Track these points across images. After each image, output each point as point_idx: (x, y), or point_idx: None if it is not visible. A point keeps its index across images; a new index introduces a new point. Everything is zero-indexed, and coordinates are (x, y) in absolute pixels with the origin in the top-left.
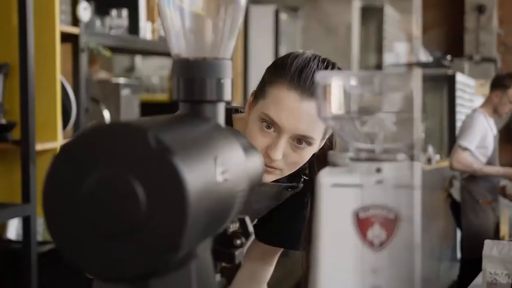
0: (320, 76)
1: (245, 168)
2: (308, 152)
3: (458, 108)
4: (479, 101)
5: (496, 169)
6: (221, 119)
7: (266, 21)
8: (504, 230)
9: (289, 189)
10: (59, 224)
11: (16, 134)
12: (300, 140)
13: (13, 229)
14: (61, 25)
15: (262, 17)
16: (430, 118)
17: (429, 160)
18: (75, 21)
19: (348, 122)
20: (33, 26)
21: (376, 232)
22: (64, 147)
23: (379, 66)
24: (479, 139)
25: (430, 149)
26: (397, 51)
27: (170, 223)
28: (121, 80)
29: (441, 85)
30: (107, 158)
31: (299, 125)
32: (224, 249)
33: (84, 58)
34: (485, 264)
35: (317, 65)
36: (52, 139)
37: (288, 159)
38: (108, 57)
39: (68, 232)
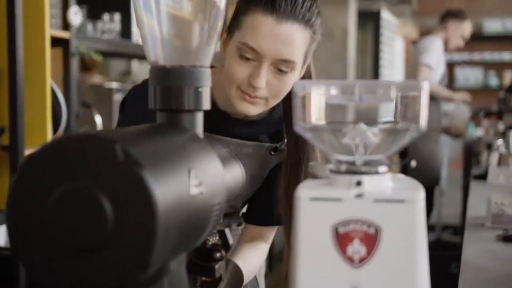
0: (298, 86)
1: (223, 180)
2: (290, 79)
3: (380, 46)
4: (399, 40)
5: (454, 94)
6: (199, 128)
7: None
8: None
9: (273, 152)
10: (24, 237)
11: (4, 139)
12: (282, 68)
13: (2, 236)
14: (51, 29)
15: None
16: (356, 55)
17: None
18: (66, 26)
19: (327, 133)
20: (23, 30)
21: (356, 247)
22: (30, 158)
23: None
24: (437, 58)
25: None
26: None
27: (138, 239)
28: (114, 85)
29: (366, 21)
30: (74, 171)
31: (279, 49)
32: (203, 262)
33: (75, 63)
34: (491, 193)
35: None
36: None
37: (271, 88)
38: (104, 62)
39: (33, 246)
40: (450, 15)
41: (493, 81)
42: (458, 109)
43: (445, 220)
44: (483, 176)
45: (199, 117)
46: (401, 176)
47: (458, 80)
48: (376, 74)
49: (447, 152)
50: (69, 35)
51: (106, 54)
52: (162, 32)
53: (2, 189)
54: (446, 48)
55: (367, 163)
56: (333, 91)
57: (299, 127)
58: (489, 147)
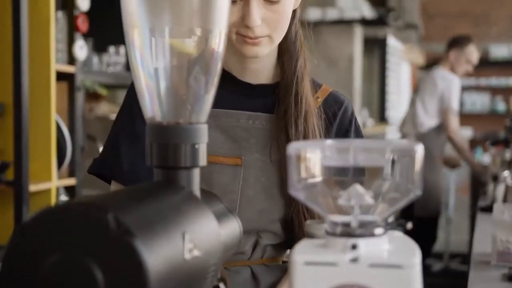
0: (292, 148)
1: (218, 239)
2: (286, 6)
3: (387, 72)
4: (405, 66)
5: (475, 162)
6: (195, 185)
7: None
8: None
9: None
10: None
11: (9, 174)
12: None
13: None
14: (57, 64)
15: None
16: (362, 81)
17: (364, 125)
18: (72, 60)
19: (322, 194)
20: (28, 65)
21: None
22: (22, 226)
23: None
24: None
25: (365, 113)
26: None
27: None
28: None
29: (372, 48)
30: (65, 241)
31: None
32: None
33: (80, 97)
34: (495, 230)
35: None
36: (47, 180)
37: (269, 22)
38: (111, 90)
39: None
40: (452, 43)
41: (500, 106)
42: None
43: (453, 249)
44: (489, 209)
45: (196, 174)
46: (398, 234)
47: (465, 105)
48: (382, 101)
49: (454, 179)
50: (74, 70)
51: (111, 87)
52: (159, 88)
53: (7, 224)
54: (454, 74)
55: (362, 225)
56: (328, 153)
57: (293, 189)
58: (495, 178)
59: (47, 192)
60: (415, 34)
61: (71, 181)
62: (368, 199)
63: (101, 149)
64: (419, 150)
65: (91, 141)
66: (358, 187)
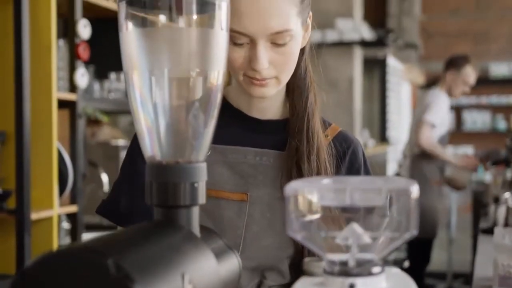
0: (290, 187)
1: (218, 277)
2: (293, 47)
3: (387, 92)
4: (405, 85)
5: (453, 159)
6: (195, 223)
7: None
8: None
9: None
10: None
11: (11, 203)
12: (278, 41)
13: None
14: (58, 92)
15: None
16: (363, 101)
17: (365, 145)
18: (73, 87)
19: (319, 233)
20: (30, 93)
21: None
22: (23, 272)
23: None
24: (441, 117)
25: (366, 134)
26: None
27: None
28: (121, 142)
29: (372, 68)
30: (66, 285)
31: (266, 24)
32: None
33: (81, 124)
34: (497, 254)
35: None
36: (48, 207)
37: (276, 64)
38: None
39: None
40: (448, 64)
41: (501, 124)
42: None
43: (456, 268)
44: (490, 230)
45: (195, 212)
46: (396, 271)
47: (466, 123)
48: (383, 121)
49: (456, 199)
50: (75, 97)
51: (113, 113)
52: (158, 128)
53: (9, 253)
54: (451, 95)
55: (360, 264)
56: (325, 193)
57: (290, 229)
58: (496, 200)
59: (48, 220)
60: (415, 54)
61: (73, 208)
62: (366, 238)
63: (102, 175)
64: (414, 190)
65: (93, 167)
66: (355, 226)
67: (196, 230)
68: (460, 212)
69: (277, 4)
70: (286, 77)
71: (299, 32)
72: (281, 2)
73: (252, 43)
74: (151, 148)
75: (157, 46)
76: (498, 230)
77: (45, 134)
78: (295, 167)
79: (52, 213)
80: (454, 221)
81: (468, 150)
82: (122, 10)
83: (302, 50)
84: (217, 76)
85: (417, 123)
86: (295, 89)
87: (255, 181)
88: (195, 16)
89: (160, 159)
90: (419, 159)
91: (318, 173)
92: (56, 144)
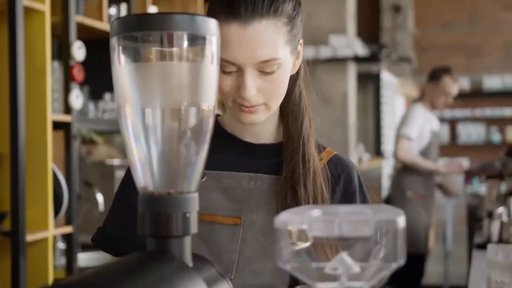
0: (279, 219)
1: None
2: (281, 75)
3: (381, 107)
4: (400, 99)
5: (436, 166)
6: (187, 252)
7: None
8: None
9: None
10: None
11: (6, 225)
12: (266, 70)
13: None
14: (53, 114)
15: None
16: (357, 116)
17: (360, 160)
18: (68, 109)
19: (309, 263)
20: (25, 115)
21: None
22: None
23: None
24: (418, 129)
25: (361, 148)
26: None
27: None
28: (116, 162)
29: (366, 83)
30: None
31: (254, 53)
32: None
33: (76, 145)
34: (490, 271)
35: None
36: (44, 229)
37: (265, 92)
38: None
39: None
40: (429, 76)
41: (496, 136)
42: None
43: (453, 281)
44: (484, 246)
45: (187, 241)
46: None
47: (460, 136)
48: (378, 135)
49: (451, 211)
50: (70, 119)
51: (107, 133)
52: (151, 160)
53: (4, 274)
54: (434, 107)
55: None
56: (314, 224)
57: (280, 261)
58: (490, 215)
59: (44, 241)
60: (409, 67)
61: (68, 229)
62: (355, 267)
63: (98, 195)
64: (401, 220)
65: (88, 187)
66: (344, 256)
67: (188, 259)
68: (455, 224)
69: (265, 34)
70: (275, 103)
71: (287, 60)
72: (269, 32)
73: (240, 71)
74: (143, 179)
75: (149, 80)
76: (491, 246)
77: (40, 155)
78: (290, 191)
79: (47, 234)
80: (450, 234)
81: (463, 162)
82: (115, 45)
83: (296, 75)
84: (209, 107)
85: (395, 137)
86: (290, 114)
87: (249, 205)
88: (185, 52)
89: (153, 190)
90: (400, 173)
91: (315, 197)
92: (51, 165)
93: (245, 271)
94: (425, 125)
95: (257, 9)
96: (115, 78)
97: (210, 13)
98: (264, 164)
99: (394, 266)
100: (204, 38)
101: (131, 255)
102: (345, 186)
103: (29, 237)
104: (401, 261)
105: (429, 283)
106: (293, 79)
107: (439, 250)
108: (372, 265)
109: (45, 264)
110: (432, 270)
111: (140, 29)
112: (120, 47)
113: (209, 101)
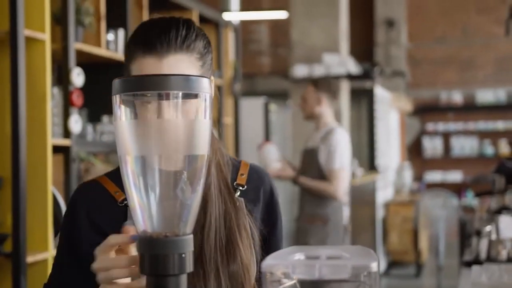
0: (265, 263)
1: None
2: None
3: (375, 121)
4: (394, 113)
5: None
6: None
7: (257, 112)
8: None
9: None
10: None
11: (7, 246)
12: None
13: None
14: (53, 138)
15: (253, 109)
16: (351, 132)
17: (354, 175)
18: (67, 133)
19: None
20: (26, 139)
21: None
22: None
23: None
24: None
25: (355, 163)
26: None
27: None
28: None
29: (360, 99)
30: None
31: None
32: None
33: (75, 168)
34: None
35: (161, 19)
36: (44, 250)
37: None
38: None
39: None
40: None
41: (489, 149)
42: (266, 150)
43: None
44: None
45: (183, 280)
46: None
47: (454, 149)
48: (371, 150)
49: (443, 225)
50: (70, 143)
51: (105, 154)
52: (149, 206)
53: None
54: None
55: None
56: (297, 268)
57: None
58: (479, 233)
59: (44, 262)
60: (403, 81)
61: None
62: None
63: None
64: (374, 265)
65: None
66: None
67: None
68: (448, 237)
69: (179, 66)
70: None
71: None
72: (183, 64)
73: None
74: (142, 223)
75: (148, 134)
76: (475, 268)
77: (41, 179)
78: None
79: (47, 255)
80: (442, 248)
81: (457, 175)
82: (117, 103)
83: None
84: (203, 155)
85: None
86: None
87: None
88: (180, 108)
89: (151, 233)
90: None
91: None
92: (51, 188)
93: None
94: None
95: (171, 45)
96: (117, 132)
97: (129, 49)
98: None
99: None
100: (196, 96)
101: None
102: (265, 197)
103: (30, 258)
104: None
105: None
106: None
107: (432, 263)
108: None
109: None
110: (425, 284)
111: (139, 89)
112: (122, 105)
113: (203, 150)
